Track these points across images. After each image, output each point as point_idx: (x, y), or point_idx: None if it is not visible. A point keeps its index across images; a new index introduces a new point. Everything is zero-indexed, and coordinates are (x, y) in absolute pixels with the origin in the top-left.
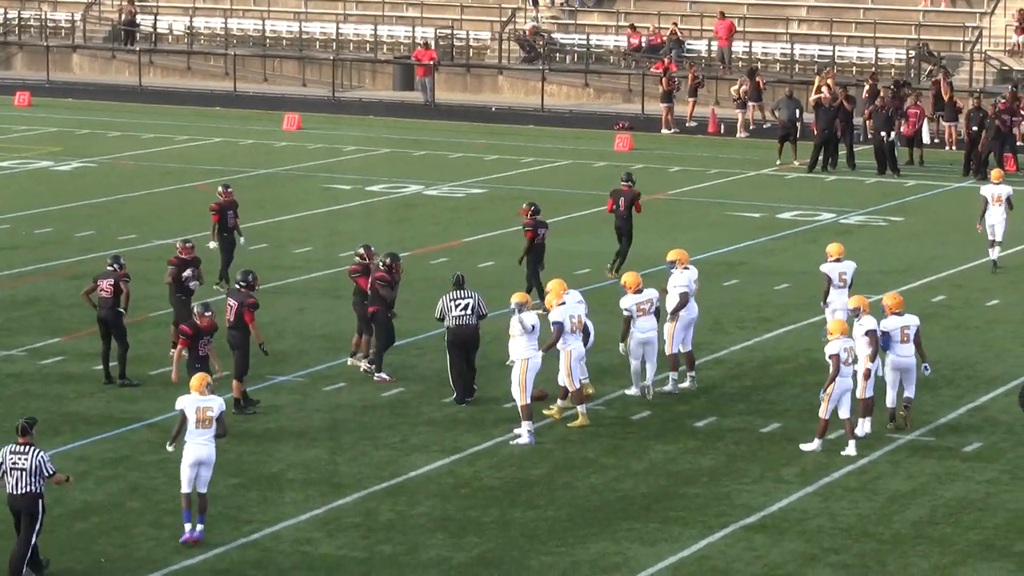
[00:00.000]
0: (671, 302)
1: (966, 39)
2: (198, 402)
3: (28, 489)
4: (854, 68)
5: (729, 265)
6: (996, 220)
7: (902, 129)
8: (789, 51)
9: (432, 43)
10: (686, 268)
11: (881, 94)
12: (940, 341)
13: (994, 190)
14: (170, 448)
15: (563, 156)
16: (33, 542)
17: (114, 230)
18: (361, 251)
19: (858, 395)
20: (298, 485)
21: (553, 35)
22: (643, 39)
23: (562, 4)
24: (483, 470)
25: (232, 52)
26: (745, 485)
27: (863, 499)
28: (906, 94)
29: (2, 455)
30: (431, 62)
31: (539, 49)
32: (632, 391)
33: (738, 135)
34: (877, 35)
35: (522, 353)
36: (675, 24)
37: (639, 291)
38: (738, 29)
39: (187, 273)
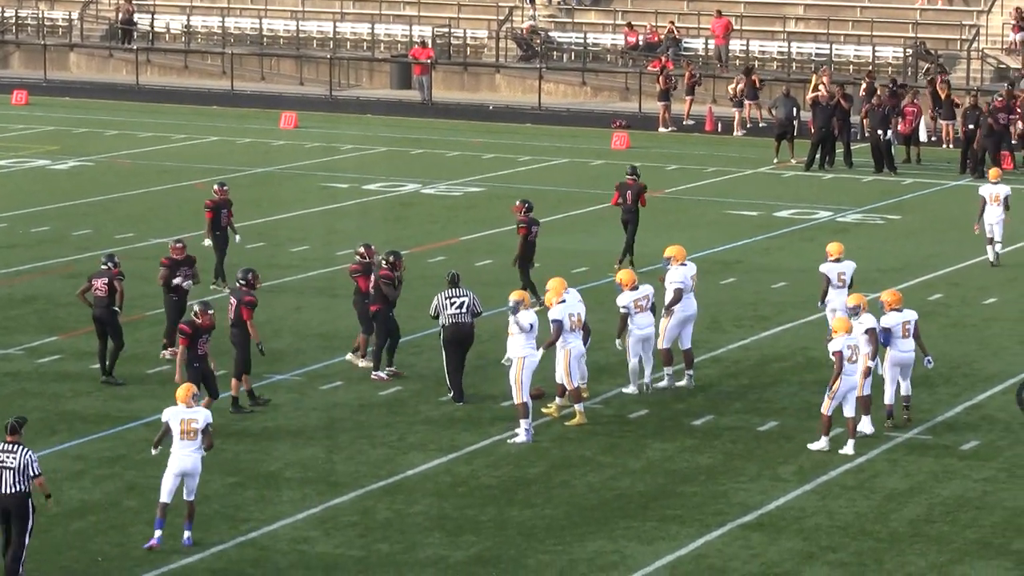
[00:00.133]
0: (667, 298)
1: (963, 37)
2: (183, 414)
3: (16, 489)
4: (851, 66)
5: (726, 263)
6: (994, 220)
7: (899, 127)
8: (786, 49)
9: (429, 42)
10: (682, 264)
11: (878, 92)
12: (937, 339)
13: (992, 190)
14: (154, 452)
15: (560, 155)
16: (27, 543)
17: (111, 229)
18: (361, 250)
19: (857, 393)
20: (295, 484)
21: (550, 34)
22: (640, 37)
23: (559, 3)
24: (480, 469)
25: (229, 51)
26: (742, 483)
27: (860, 497)
28: (903, 93)
29: None
30: (428, 61)
31: (536, 48)
32: (630, 389)
33: (735, 133)
34: (874, 33)
35: (520, 351)
36: (672, 22)
37: (635, 288)
38: (735, 27)
39: (177, 280)
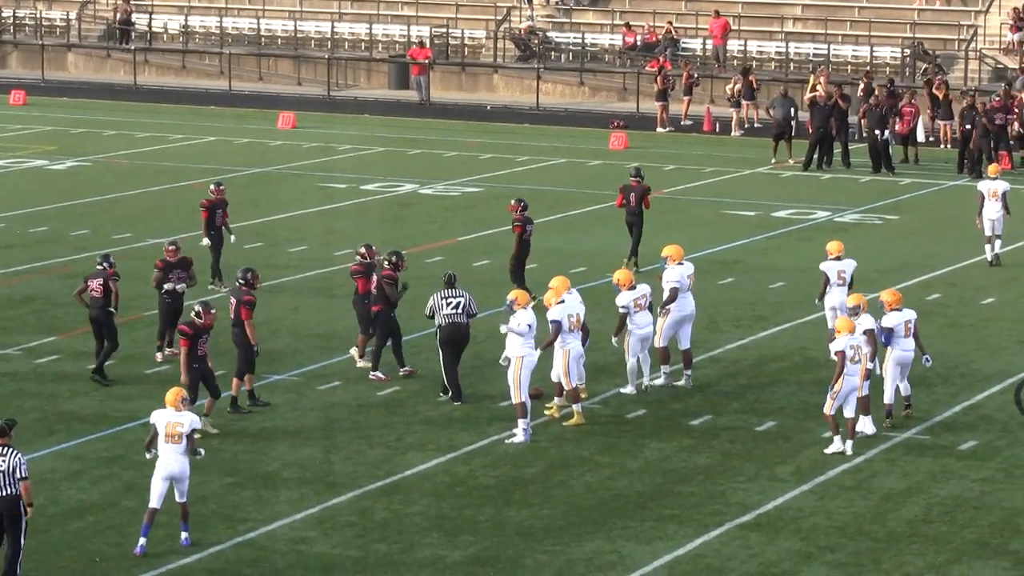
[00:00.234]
0: (663, 298)
1: (961, 37)
2: (169, 417)
3: (8, 491)
4: (849, 67)
5: (724, 263)
6: (994, 215)
7: (897, 127)
8: (784, 50)
9: (427, 42)
10: (679, 264)
11: (876, 92)
12: (935, 339)
13: (990, 185)
14: (148, 456)
15: (558, 155)
16: (23, 544)
17: (109, 229)
18: (362, 250)
19: (857, 393)
20: (293, 484)
21: (548, 34)
22: (638, 38)
23: (557, 3)
24: (478, 469)
25: (227, 51)
26: (740, 483)
27: (858, 497)
28: (901, 93)
29: None
30: (426, 61)
31: (534, 48)
32: (627, 389)
33: (733, 134)
34: (872, 33)
35: (518, 351)
36: (670, 23)
37: (632, 287)
38: (733, 28)
39: (167, 286)
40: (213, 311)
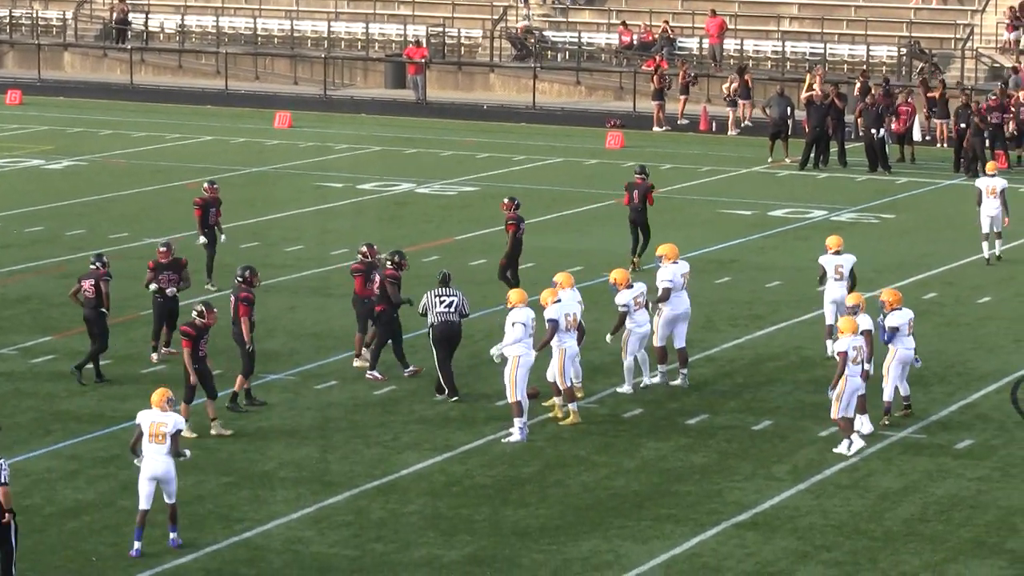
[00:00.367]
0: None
1: (957, 36)
2: (153, 417)
3: None
4: (845, 65)
5: (721, 263)
6: (993, 212)
7: (893, 126)
8: (780, 49)
9: (424, 41)
10: (674, 263)
11: (872, 91)
12: (932, 338)
13: (988, 182)
14: (136, 462)
15: (555, 154)
16: (16, 544)
17: (105, 228)
18: (364, 249)
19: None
20: (289, 483)
21: (545, 33)
22: (634, 37)
23: (553, 2)
24: (475, 468)
25: (223, 50)
26: (737, 482)
27: (855, 496)
28: (896, 93)
29: None
30: (423, 60)
31: (531, 47)
32: (624, 388)
33: (729, 133)
34: (868, 32)
35: (515, 350)
36: (666, 22)
37: (630, 286)
38: (729, 27)
39: (153, 287)
40: (215, 310)
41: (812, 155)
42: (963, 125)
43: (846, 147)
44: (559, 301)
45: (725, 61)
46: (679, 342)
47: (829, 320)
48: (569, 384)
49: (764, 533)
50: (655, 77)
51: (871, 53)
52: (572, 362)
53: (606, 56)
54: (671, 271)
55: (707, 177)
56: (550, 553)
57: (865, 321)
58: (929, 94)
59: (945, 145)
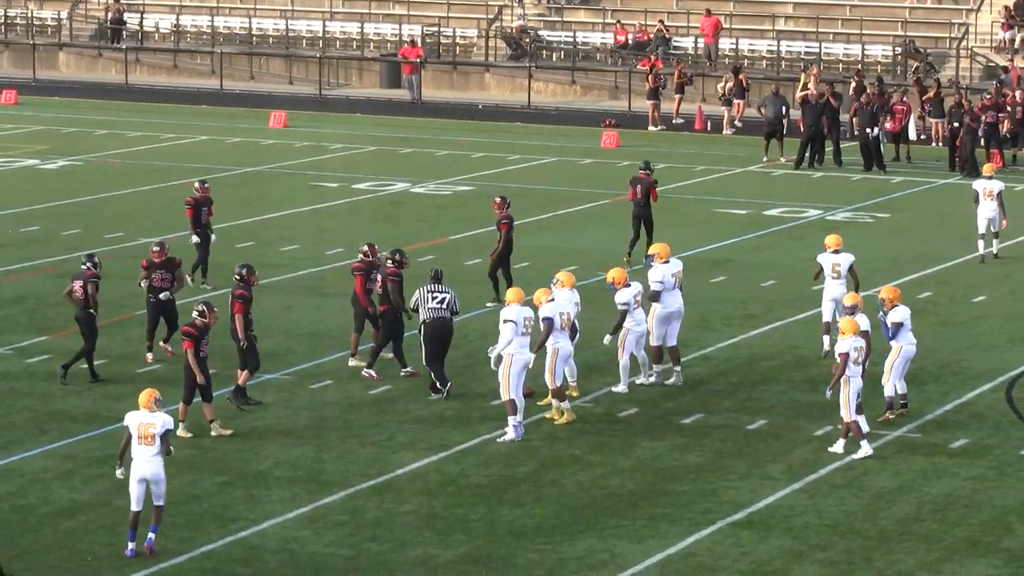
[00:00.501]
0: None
1: (952, 35)
2: (141, 418)
3: None
4: (840, 65)
5: (716, 262)
6: (991, 214)
7: (888, 125)
8: (775, 48)
9: (419, 40)
10: (666, 262)
11: (867, 90)
12: (927, 337)
13: (986, 184)
14: (119, 473)
15: (550, 153)
16: None
17: (100, 228)
18: (365, 249)
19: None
20: (284, 483)
21: (540, 32)
22: (629, 36)
23: (548, 1)
24: (470, 468)
25: (219, 50)
26: (732, 482)
27: (850, 496)
28: (890, 93)
29: None
30: (418, 60)
31: (526, 47)
32: (619, 388)
33: (724, 132)
34: (863, 32)
35: (509, 348)
36: (661, 21)
37: (627, 285)
38: (724, 26)
39: (144, 284)
40: (216, 310)
41: (807, 154)
42: (956, 124)
43: (841, 146)
44: (552, 300)
45: (720, 60)
46: (671, 340)
47: (827, 317)
48: (559, 383)
49: (759, 532)
50: (650, 76)
51: (866, 52)
52: (566, 361)
53: (601, 56)
54: (661, 271)
55: (702, 176)
56: (545, 552)
57: (863, 322)
58: (925, 97)
59: (941, 144)
